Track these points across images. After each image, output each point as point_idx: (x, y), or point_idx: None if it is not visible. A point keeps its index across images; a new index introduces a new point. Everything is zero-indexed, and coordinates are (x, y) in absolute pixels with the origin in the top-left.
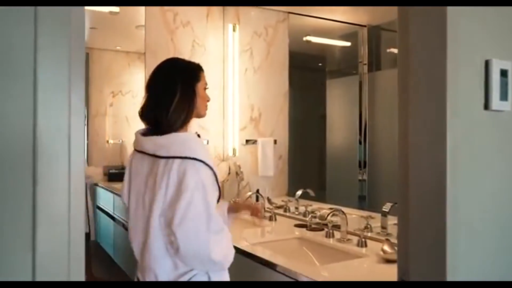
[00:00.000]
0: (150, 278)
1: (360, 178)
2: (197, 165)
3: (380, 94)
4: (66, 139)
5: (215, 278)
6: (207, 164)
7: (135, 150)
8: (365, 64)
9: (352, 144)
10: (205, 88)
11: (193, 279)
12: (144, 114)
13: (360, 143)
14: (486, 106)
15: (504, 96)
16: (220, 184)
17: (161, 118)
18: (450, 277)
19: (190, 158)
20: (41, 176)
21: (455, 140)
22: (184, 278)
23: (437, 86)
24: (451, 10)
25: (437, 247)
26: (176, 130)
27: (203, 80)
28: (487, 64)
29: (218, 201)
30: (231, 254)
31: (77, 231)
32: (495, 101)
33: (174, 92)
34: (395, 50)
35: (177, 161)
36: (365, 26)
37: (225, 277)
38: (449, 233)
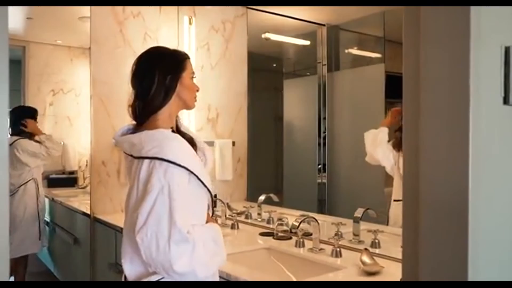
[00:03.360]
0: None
1: (319, 181)
2: (164, 166)
3: (339, 95)
4: None
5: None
6: (179, 165)
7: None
8: (324, 64)
9: (311, 146)
10: (192, 78)
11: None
12: (129, 108)
13: (319, 145)
14: (506, 101)
15: None
16: (209, 187)
17: (139, 108)
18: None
19: (157, 158)
20: None
21: (477, 140)
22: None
23: (458, 80)
24: None
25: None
26: (155, 121)
27: (189, 69)
28: (507, 51)
29: (214, 206)
30: (201, 266)
31: None
32: None
33: (152, 81)
34: (354, 51)
35: (147, 161)
36: (324, 25)
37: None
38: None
